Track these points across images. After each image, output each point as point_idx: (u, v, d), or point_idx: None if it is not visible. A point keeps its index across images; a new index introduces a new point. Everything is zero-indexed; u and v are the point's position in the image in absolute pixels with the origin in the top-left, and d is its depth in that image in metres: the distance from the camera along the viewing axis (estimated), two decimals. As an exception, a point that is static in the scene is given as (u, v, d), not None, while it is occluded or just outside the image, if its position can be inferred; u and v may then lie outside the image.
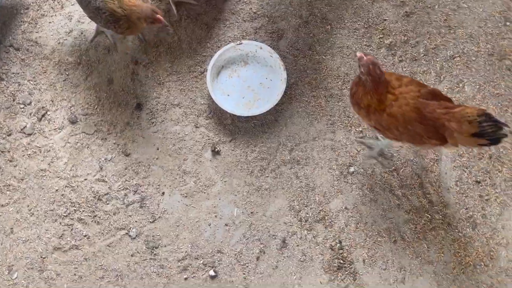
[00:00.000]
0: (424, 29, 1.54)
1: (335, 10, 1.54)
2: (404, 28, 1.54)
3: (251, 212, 1.39)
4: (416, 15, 1.55)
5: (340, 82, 1.48)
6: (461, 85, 1.49)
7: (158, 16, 1.22)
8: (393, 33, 1.53)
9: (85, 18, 1.52)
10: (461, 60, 1.51)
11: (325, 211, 1.39)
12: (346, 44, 1.52)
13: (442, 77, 1.50)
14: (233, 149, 1.44)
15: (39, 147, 1.42)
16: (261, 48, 1.43)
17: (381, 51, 1.51)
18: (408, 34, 1.54)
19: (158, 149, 1.43)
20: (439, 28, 1.54)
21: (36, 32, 1.51)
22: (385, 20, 1.54)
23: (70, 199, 1.38)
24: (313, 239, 1.36)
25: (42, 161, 1.41)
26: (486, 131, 0.99)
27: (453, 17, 1.55)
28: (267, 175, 1.42)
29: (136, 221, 1.37)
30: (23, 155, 1.41)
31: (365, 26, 1.53)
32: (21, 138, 1.42)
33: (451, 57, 1.52)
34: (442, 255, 1.35)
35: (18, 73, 1.48)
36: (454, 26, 1.54)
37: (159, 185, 1.41)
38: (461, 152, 1.43)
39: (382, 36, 1.53)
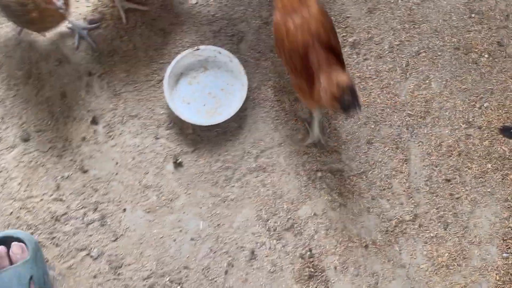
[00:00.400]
0: (388, 25, 1.63)
1: (296, 10, 1.60)
2: (367, 25, 1.63)
3: (218, 225, 1.46)
4: (379, 11, 1.64)
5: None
6: (427, 81, 1.58)
7: None
8: (357, 31, 1.62)
9: (33, 29, 1.56)
10: (426, 56, 1.60)
11: (293, 219, 1.46)
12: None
13: (408, 74, 1.59)
14: (196, 159, 1.50)
15: (-10, 169, 1.46)
16: (220, 52, 1.50)
17: (345, 49, 1.59)
18: (372, 31, 1.62)
19: (117, 163, 1.49)
20: (403, 24, 1.63)
21: (-19, 46, 1.54)
22: (347, 17, 1.63)
23: (26, 221, 1.43)
24: (282, 248, 1.44)
25: (-6, 183, 1.44)
26: (344, 101, 1.17)
27: (417, 11, 1.64)
28: (232, 184, 1.49)
29: (97, 241, 1.43)
30: (-27, 178, 1.45)
31: (328, 24, 1.59)
32: (-30, 160, 1.46)
33: (416, 53, 1.61)
34: (414, 257, 1.44)
35: (-36, 91, 1.51)
36: (418, 21, 1.63)
37: (120, 202, 1.46)
38: (430, 151, 1.52)
39: (345, 34, 1.61)
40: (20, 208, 1.45)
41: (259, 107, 1.56)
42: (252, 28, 1.62)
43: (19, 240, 1.31)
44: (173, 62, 1.50)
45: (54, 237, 1.43)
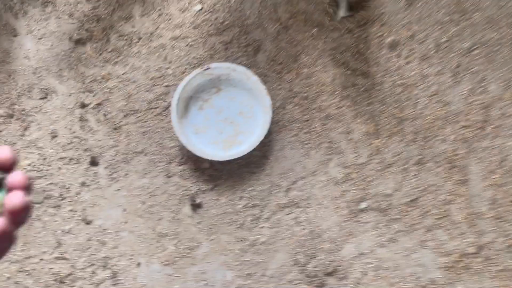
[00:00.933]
0: (432, 19, 1.63)
1: (320, 8, 1.60)
2: (407, 21, 1.63)
3: (248, 274, 1.49)
4: (421, 2, 1.66)
5: (337, 99, 1.57)
6: (484, 83, 1.59)
7: None
8: (395, 29, 1.62)
9: (10, 57, 1.57)
10: (481, 53, 1.62)
11: (336, 261, 1.50)
12: (339, 49, 1.59)
13: (460, 77, 1.59)
14: (216, 198, 1.53)
15: (-21, 227, 1.49)
16: (234, 70, 1.51)
17: (382, 52, 1.59)
18: (413, 27, 1.62)
19: (125, 210, 1.52)
20: (451, 15, 1.64)
21: (-47, 82, 1.56)
22: (382, 13, 1.62)
23: (27, 287, 1.46)
24: (326, 296, 1.47)
25: (-16, 244, 1.48)
26: None
27: (466, -2, 1.62)
28: (261, 225, 1.52)
29: (110, 303, 1.46)
30: (-39, 240, 1.48)
31: (360, 24, 1.60)
32: (-46, 219, 1.49)
33: (468, 50, 1.61)
34: (482, 295, 1.46)
35: None
36: (469, 10, 1.63)
37: (132, 255, 1.50)
38: (493, 168, 1.54)
39: (381, 34, 1.62)
40: (18, 271, 1.50)
41: (285, 131, 1.58)
42: (269, 35, 1.62)
43: None
44: (180, 86, 1.52)
45: (60, 302, 1.47)
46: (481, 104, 1.60)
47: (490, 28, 1.64)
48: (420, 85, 1.61)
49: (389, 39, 1.63)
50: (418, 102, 1.60)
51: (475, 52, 1.62)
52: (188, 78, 1.53)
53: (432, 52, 1.63)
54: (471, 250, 1.52)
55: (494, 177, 1.56)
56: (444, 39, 1.63)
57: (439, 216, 1.55)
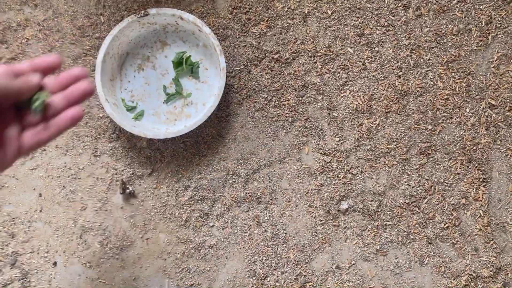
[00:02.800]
0: (457, -44, 1.23)
1: None
2: (423, -42, 1.23)
3: (191, 285, 1.23)
4: None
5: (318, 63, 1.25)
6: (523, 48, 1.20)
7: None
8: (405, -31, 1.23)
9: None
10: (522, 5, 1.21)
11: (305, 275, 1.20)
12: (325, -4, 1.24)
13: (490, 37, 1.23)
14: (155, 187, 1.25)
15: None
16: (181, 18, 1.17)
17: (386, 1, 1.23)
18: (431, -33, 1.23)
19: (41, 195, 1.26)
20: (484, -48, 1.23)
21: None
22: None
23: None
24: (288, 319, 1.18)
25: None
26: None
27: None
28: (211, 224, 1.23)
29: (17, 311, 1.22)
30: None
31: (357, -40, 1.23)
32: None
33: (504, 0, 1.21)
34: (495, 333, 1.14)
35: None
36: None
37: (47, 252, 1.25)
38: (525, 164, 1.18)
39: (386, -25, 1.23)
40: None
41: (248, 103, 1.25)
42: (235, -26, 1.26)
43: None
44: (108, 37, 1.20)
45: (-42, 305, 1.23)
46: (516, 76, 1.22)
47: (539, -30, 1.24)
48: (435, 47, 1.24)
49: (395, -17, 1.25)
50: (429, 71, 1.23)
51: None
52: (120, 26, 1.21)
53: (454, 2, 1.24)
54: (486, 273, 1.18)
55: (526, 176, 1.20)
56: (473, -16, 1.24)
57: (446, 225, 1.20)
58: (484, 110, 1.23)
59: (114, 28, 1.22)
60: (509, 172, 1.21)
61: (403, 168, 1.23)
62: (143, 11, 1.22)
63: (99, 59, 1.21)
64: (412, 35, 1.26)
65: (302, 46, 1.26)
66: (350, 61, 1.25)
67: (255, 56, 1.28)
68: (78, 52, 1.31)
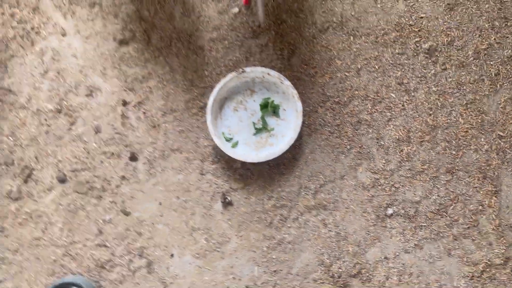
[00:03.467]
0: (472, 25, 1.68)
1: (356, 13, 1.67)
2: (446, 26, 1.69)
3: (274, 271, 1.63)
4: (462, 7, 1.71)
5: (369, 104, 1.67)
6: (523, 93, 1.62)
7: None
8: (433, 34, 1.69)
9: (59, 56, 1.75)
10: (522, 61, 1.63)
11: (361, 264, 1.61)
12: (373, 54, 1.68)
13: (498, 85, 1.65)
14: (246, 197, 1.67)
15: (29, 213, 1.72)
16: (268, 74, 1.63)
17: (419, 58, 1.67)
18: (452, 33, 1.68)
19: (161, 204, 1.69)
20: (492, 21, 1.68)
21: (8, 78, 1.77)
22: (421, 17, 1.68)
23: (71, 269, 1.69)
24: (349, 297, 1.59)
25: (34, 228, 1.71)
26: None
27: (510, 4, 1.64)
28: (289, 225, 1.65)
29: (145, 290, 1.65)
30: (14, 223, 1.72)
31: (397, 28, 1.68)
32: (8, 204, 1.73)
33: (509, 58, 1.66)
34: (506, 307, 1.54)
35: (-5, 129, 1.75)
36: (511, 17, 1.64)
37: (166, 246, 1.67)
38: (526, 180, 1.59)
39: (419, 39, 1.68)
40: (64, 255, 1.71)
41: (316, 134, 1.69)
42: (304, 39, 1.72)
43: (78, 286, 1.57)
44: (216, 88, 1.67)
45: (100, 286, 1.69)
46: (519, 114, 1.64)
47: (534, 35, 1.67)
48: (456, 93, 1.67)
49: (425, 45, 1.69)
50: (453, 110, 1.66)
51: (516, 60, 1.66)
52: (224, 80, 1.67)
53: (470, 59, 1.68)
54: (498, 261, 1.60)
55: (527, 189, 1.61)
56: (484, 46, 1.68)
57: (467, 226, 1.62)
58: (494, 140, 1.65)
59: (220, 82, 1.68)
60: (514, 186, 1.64)
61: (434, 183, 1.66)
62: (241, 69, 1.68)
63: (209, 104, 1.67)
64: (439, 83, 1.69)
65: (356, 92, 1.71)
66: (393, 103, 1.69)
67: (321, 99, 1.72)
68: (188, 97, 1.77)
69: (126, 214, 1.77)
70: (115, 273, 1.74)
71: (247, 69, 1.70)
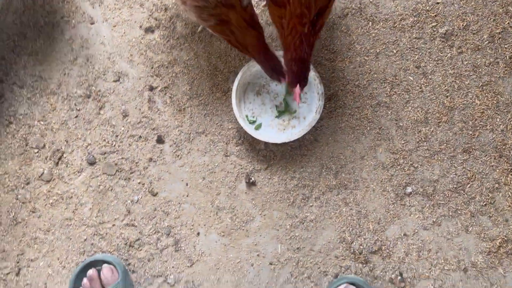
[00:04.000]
0: (487, 9, 1.75)
1: (374, 0, 1.74)
2: (462, 11, 1.75)
3: (297, 248, 1.70)
4: (477, -7, 1.73)
5: (388, 87, 1.73)
6: (537, 75, 1.68)
7: None
8: (449, 19, 1.74)
9: (88, 43, 1.82)
10: (536, 44, 1.69)
11: (381, 240, 1.67)
12: (391, 39, 1.75)
13: (513, 67, 1.69)
14: (269, 177, 1.74)
15: (61, 194, 1.79)
16: (290, 58, 1.68)
17: (435, 43, 1.73)
18: (468, 17, 1.74)
19: (187, 184, 1.76)
20: (507, 6, 1.74)
21: (40, 65, 1.83)
22: (437, 3, 1.74)
23: (101, 248, 1.76)
24: (369, 272, 1.66)
25: (66, 209, 1.78)
26: None
27: (524, -10, 1.72)
28: (311, 204, 1.71)
29: (173, 267, 1.72)
30: (45, 204, 1.79)
31: (414, 14, 1.75)
32: (40, 186, 1.80)
33: (523, 41, 1.70)
34: (522, 280, 1.61)
35: (27, 114, 1.83)
36: (525, 2, 1.71)
37: (192, 225, 1.74)
38: (541, 158, 1.65)
39: (435, 24, 1.74)
40: (94, 235, 1.78)
41: (337, 116, 1.75)
42: (325, 25, 1.77)
43: (109, 263, 1.65)
44: (240, 72, 1.72)
45: (129, 264, 1.76)
46: (533, 95, 1.70)
47: (548, 19, 1.73)
48: (472, 75, 1.73)
49: (442, 30, 1.75)
50: (469, 92, 1.73)
51: (530, 43, 1.73)
52: (247, 65, 1.74)
53: (486, 43, 1.75)
54: (514, 237, 1.66)
55: (542, 167, 1.67)
56: (499, 30, 1.74)
57: (484, 203, 1.69)
58: (510, 120, 1.72)
59: (243, 66, 1.75)
60: (529, 164, 1.70)
61: (451, 162, 1.72)
62: (264, 53, 1.75)
63: (234, 88, 1.74)
64: (455, 66, 1.75)
65: (375, 75, 1.77)
66: (411, 85, 1.75)
67: (341, 83, 1.79)
68: (213, 82, 1.84)
69: (154, 194, 1.84)
70: (143, 252, 1.81)
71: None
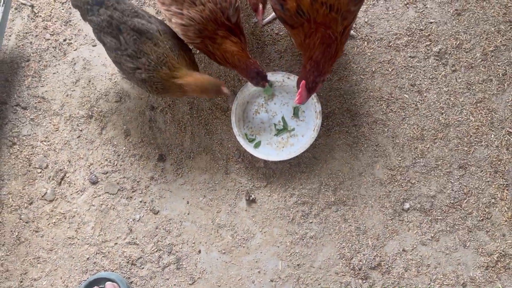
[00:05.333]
0: (479, 28, 1.77)
1: (369, 20, 1.77)
2: (455, 30, 1.78)
3: (298, 264, 1.70)
4: (469, 12, 1.79)
5: (384, 105, 1.75)
6: (530, 92, 1.70)
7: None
8: (442, 38, 1.77)
9: (90, 65, 1.85)
10: (528, 62, 1.72)
11: (380, 256, 1.68)
12: (386, 58, 1.77)
13: (506, 84, 1.73)
14: (269, 195, 1.75)
15: (63, 213, 1.80)
16: (288, 78, 1.72)
17: (429, 61, 1.76)
18: (461, 36, 1.77)
19: (188, 202, 1.77)
20: (498, 25, 1.76)
21: (42, 86, 1.88)
22: (431, 23, 1.77)
23: (103, 267, 1.76)
24: (369, 288, 1.66)
25: (68, 228, 1.79)
26: None
27: (515, 9, 1.75)
28: (310, 221, 1.72)
29: (175, 285, 1.73)
30: (48, 224, 1.80)
31: (408, 33, 1.78)
32: (43, 206, 1.81)
33: (515, 59, 1.73)
34: (521, 295, 1.61)
35: (30, 135, 1.85)
36: (516, 21, 1.74)
37: (194, 243, 1.75)
38: (536, 173, 1.66)
39: (429, 43, 1.77)
40: (96, 253, 1.79)
41: (334, 134, 1.77)
42: (321, 45, 1.81)
43: (112, 281, 1.65)
44: (239, 93, 1.74)
45: (131, 282, 1.76)
46: (526, 111, 1.73)
47: (538, 37, 1.76)
48: (466, 92, 1.76)
49: (436, 48, 1.78)
50: (464, 109, 1.75)
51: (522, 61, 1.75)
52: (246, 85, 1.76)
53: (479, 60, 1.77)
54: (512, 251, 1.67)
55: (537, 182, 1.69)
56: (491, 48, 1.77)
57: (481, 218, 1.70)
58: (504, 136, 1.73)
59: (242, 86, 1.78)
60: (525, 179, 1.71)
61: (448, 178, 1.73)
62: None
63: (233, 107, 1.76)
64: (450, 84, 1.78)
65: (371, 93, 1.80)
66: (406, 103, 1.78)
67: (338, 101, 1.81)
68: (212, 102, 1.86)
69: (155, 213, 1.85)
70: (145, 270, 1.81)
71: (269, 73, 1.80)
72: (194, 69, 1.63)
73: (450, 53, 1.78)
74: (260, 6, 1.62)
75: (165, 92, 1.60)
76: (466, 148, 1.74)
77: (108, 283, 1.71)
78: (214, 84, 1.57)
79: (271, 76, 1.77)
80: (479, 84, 1.77)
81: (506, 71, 1.76)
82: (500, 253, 1.68)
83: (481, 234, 1.70)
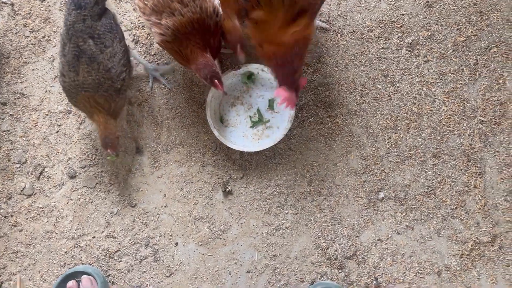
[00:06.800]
0: (450, 19, 1.76)
1: (342, 13, 1.77)
2: (426, 22, 1.77)
3: (274, 255, 1.68)
4: (440, 4, 1.78)
5: (357, 96, 1.74)
6: (501, 80, 1.71)
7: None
8: (414, 29, 1.76)
9: (69, 61, 1.85)
10: (499, 51, 1.73)
11: (355, 246, 1.66)
12: (359, 50, 1.77)
13: (477, 74, 1.72)
14: (245, 186, 1.73)
15: (42, 208, 1.78)
16: (263, 70, 1.70)
17: (402, 52, 1.75)
18: (432, 27, 1.76)
19: (165, 195, 1.75)
20: (469, 16, 1.76)
21: (21, 83, 1.87)
22: (402, 15, 1.77)
23: (81, 260, 1.74)
24: (345, 278, 1.64)
25: (46, 222, 1.77)
26: None
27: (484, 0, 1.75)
28: (286, 211, 1.71)
29: (152, 277, 1.71)
30: (27, 218, 1.78)
31: (380, 25, 1.77)
32: (22, 200, 1.79)
33: (486, 48, 1.73)
34: (495, 283, 1.60)
35: (9, 130, 1.84)
36: (486, 11, 1.75)
37: (171, 235, 1.73)
38: (509, 161, 1.65)
39: (401, 34, 1.76)
40: (74, 247, 1.77)
41: (309, 125, 1.76)
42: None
43: (88, 274, 1.64)
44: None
45: (109, 275, 1.74)
46: (497, 100, 1.71)
47: (509, 27, 1.75)
48: (438, 82, 1.75)
49: (408, 40, 1.78)
50: (436, 98, 1.74)
51: (493, 50, 1.74)
52: (222, 77, 1.75)
53: (450, 51, 1.76)
54: (486, 239, 1.64)
55: (510, 169, 1.67)
56: (462, 38, 1.76)
57: (455, 207, 1.68)
58: (476, 125, 1.72)
59: (217, 78, 1.77)
60: (497, 167, 1.68)
61: (421, 167, 1.72)
62: (237, 66, 1.76)
63: (208, 100, 1.75)
64: (422, 74, 1.77)
65: (345, 85, 1.78)
66: (380, 94, 1.77)
67: (312, 93, 1.80)
68: (189, 95, 1.85)
69: (133, 206, 1.83)
70: (123, 263, 1.79)
71: (242, 66, 1.79)
72: (114, 117, 1.66)
73: (422, 44, 1.78)
74: (238, 46, 1.64)
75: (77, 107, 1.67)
76: (439, 137, 1.72)
77: (84, 277, 1.69)
78: (109, 140, 1.67)
79: (245, 68, 1.77)
80: (451, 74, 1.76)
81: (477, 60, 1.75)
82: (475, 241, 1.66)
83: (455, 222, 1.68)
